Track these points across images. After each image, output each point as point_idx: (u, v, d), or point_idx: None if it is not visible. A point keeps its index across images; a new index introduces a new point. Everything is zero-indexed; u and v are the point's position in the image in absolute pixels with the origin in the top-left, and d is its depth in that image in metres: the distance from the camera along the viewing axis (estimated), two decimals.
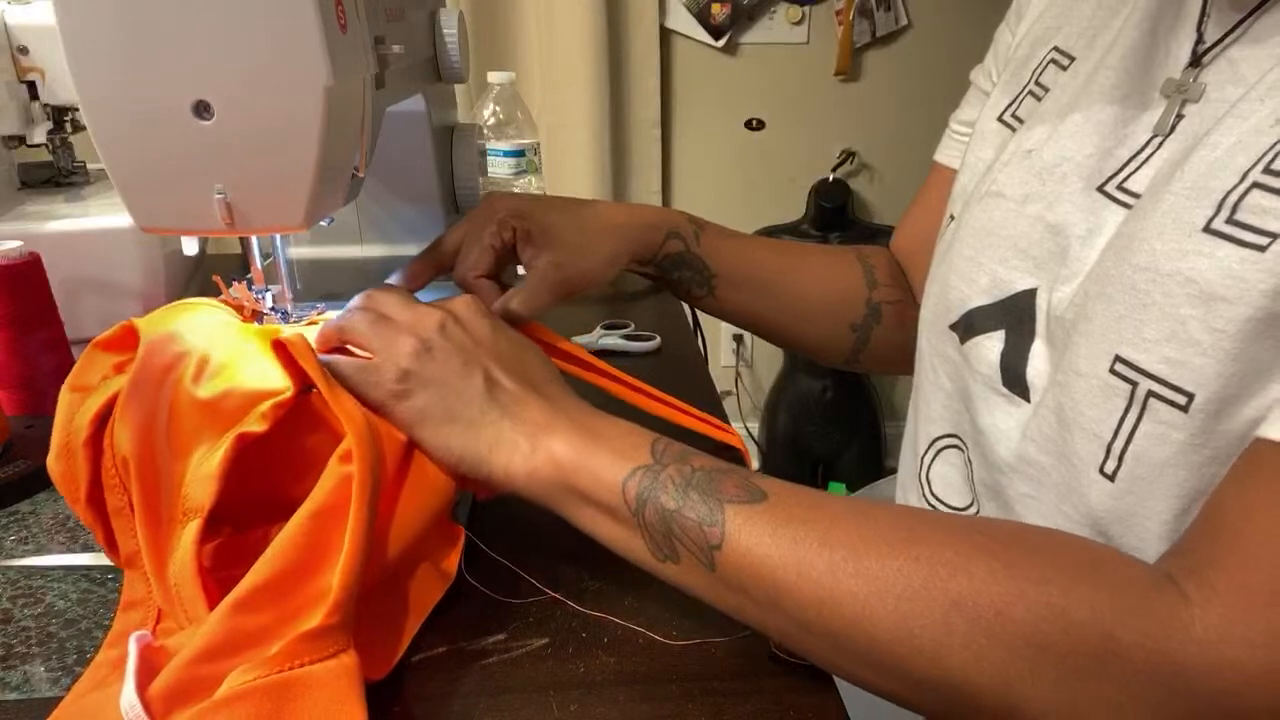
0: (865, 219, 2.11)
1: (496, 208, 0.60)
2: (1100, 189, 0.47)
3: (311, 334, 0.49)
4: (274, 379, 0.44)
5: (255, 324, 0.51)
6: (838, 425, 2.09)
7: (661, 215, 0.67)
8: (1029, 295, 0.49)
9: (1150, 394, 0.40)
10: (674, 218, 0.67)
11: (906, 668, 0.37)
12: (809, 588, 0.38)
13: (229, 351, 0.46)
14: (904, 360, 0.73)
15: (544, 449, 0.44)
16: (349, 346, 0.48)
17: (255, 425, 0.42)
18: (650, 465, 0.42)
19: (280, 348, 0.44)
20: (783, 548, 0.39)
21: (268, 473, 0.44)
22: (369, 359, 0.46)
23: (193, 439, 0.43)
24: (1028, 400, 0.48)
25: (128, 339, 0.46)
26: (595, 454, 0.43)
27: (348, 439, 0.42)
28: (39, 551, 0.51)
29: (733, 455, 0.60)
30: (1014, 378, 0.49)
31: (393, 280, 0.58)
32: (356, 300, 0.50)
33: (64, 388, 0.46)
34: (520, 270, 0.61)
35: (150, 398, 0.43)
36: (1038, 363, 0.48)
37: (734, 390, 2.23)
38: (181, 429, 0.43)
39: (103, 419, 0.44)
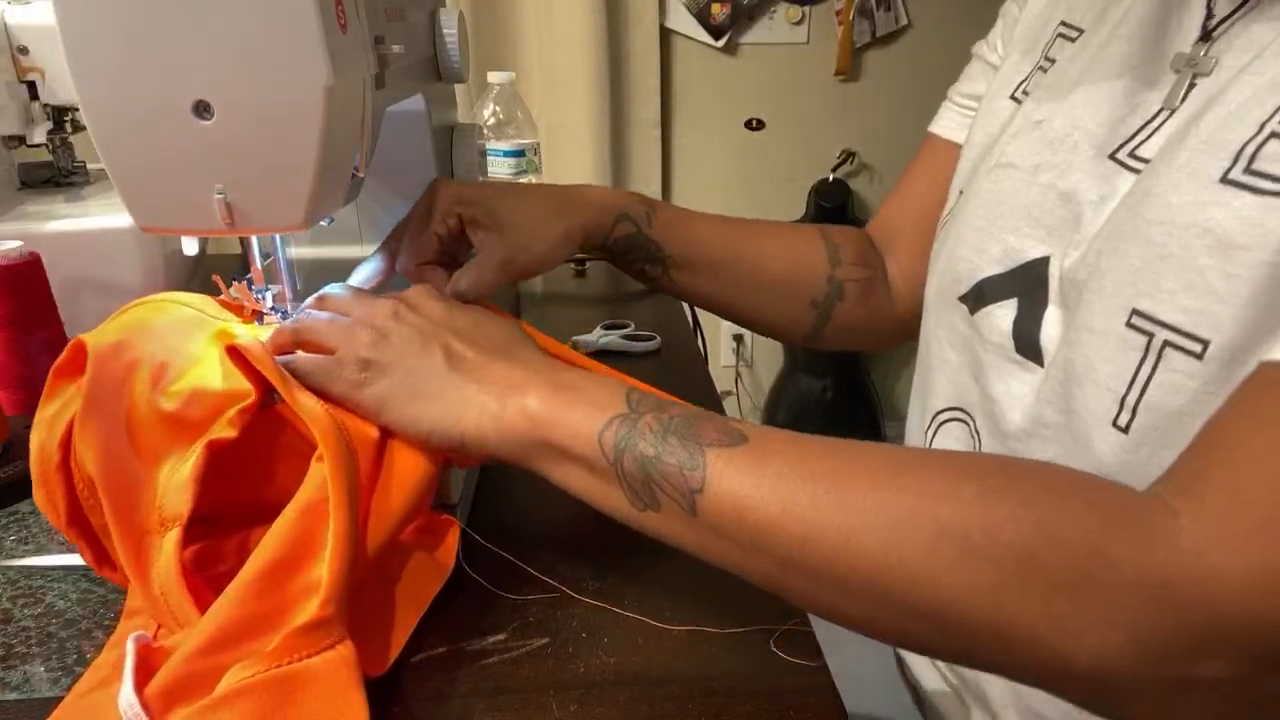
0: (865, 219, 2.11)
1: (439, 196, 0.59)
2: (1112, 156, 0.47)
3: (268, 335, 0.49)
4: (238, 383, 0.44)
5: (221, 319, 0.51)
6: (838, 425, 2.09)
7: (611, 197, 0.65)
8: (1042, 263, 0.49)
9: (1166, 343, 0.40)
10: (624, 199, 0.66)
11: (895, 597, 0.36)
12: (793, 524, 0.37)
13: (187, 357, 0.46)
14: (869, 338, 0.73)
15: (515, 405, 0.43)
16: (303, 349, 0.48)
17: (224, 431, 0.42)
18: (626, 414, 0.41)
19: (235, 354, 0.44)
20: (765, 486, 0.38)
21: (240, 475, 0.44)
22: (328, 356, 0.46)
23: (161, 449, 0.43)
24: (1041, 365, 0.48)
25: (79, 358, 0.45)
26: (570, 407, 0.42)
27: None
28: (39, 551, 0.51)
29: None
30: (1027, 344, 0.49)
31: (351, 280, 0.58)
32: (309, 302, 0.50)
33: (35, 420, 0.45)
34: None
35: (107, 413, 0.43)
36: (1050, 328, 0.48)
37: (734, 390, 2.23)
38: (147, 440, 0.43)
39: (69, 441, 0.44)
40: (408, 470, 0.45)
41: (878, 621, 0.38)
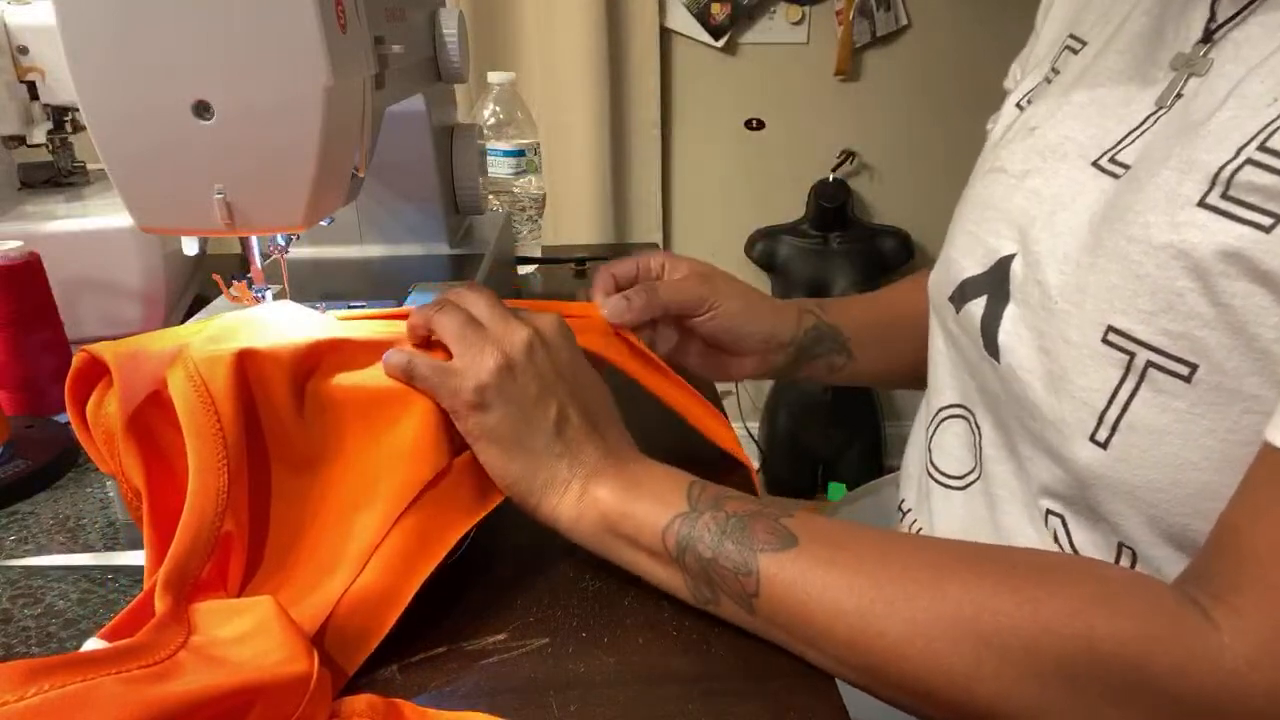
0: (865, 219, 2.11)
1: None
2: (1094, 163, 0.48)
3: (340, 325, 0.48)
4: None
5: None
6: (838, 425, 2.09)
7: (789, 301, 0.68)
8: (1008, 260, 0.50)
9: (1150, 364, 0.40)
10: (799, 301, 0.68)
11: (940, 698, 0.38)
12: (842, 630, 0.40)
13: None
14: None
15: (590, 496, 0.46)
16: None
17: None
18: (687, 513, 0.44)
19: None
20: (814, 594, 0.40)
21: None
22: (448, 362, 0.45)
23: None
24: (999, 361, 0.49)
25: (98, 368, 0.43)
26: (637, 501, 0.45)
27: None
28: (39, 551, 0.51)
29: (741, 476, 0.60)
30: (989, 340, 0.50)
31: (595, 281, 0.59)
32: (450, 294, 0.49)
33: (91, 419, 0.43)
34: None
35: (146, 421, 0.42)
36: (1008, 324, 0.49)
37: (734, 390, 2.23)
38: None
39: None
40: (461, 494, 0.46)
41: (929, 716, 0.40)
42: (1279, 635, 0.33)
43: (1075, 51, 0.55)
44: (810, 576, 0.41)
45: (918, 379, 0.70)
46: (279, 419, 0.43)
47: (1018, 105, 0.59)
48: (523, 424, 0.45)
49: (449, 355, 0.46)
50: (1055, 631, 0.36)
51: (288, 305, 0.50)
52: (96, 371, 0.43)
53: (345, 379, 0.45)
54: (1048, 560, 0.42)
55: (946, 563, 0.40)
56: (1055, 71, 0.57)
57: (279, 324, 0.47)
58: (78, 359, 0.43)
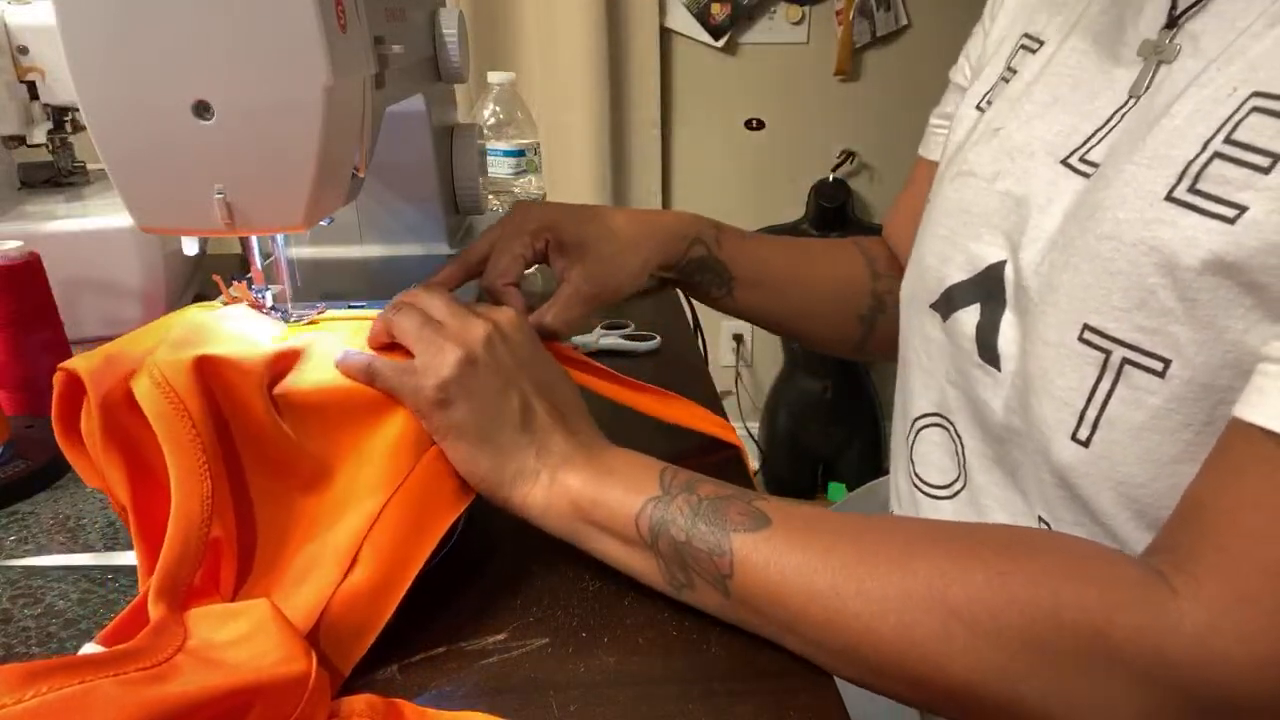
0: (865, 219, 2.11)
1: (529, 218, 0.61)
2: (1064, 162, 0.48)
3: (307, 331, 0.48)
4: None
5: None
6: (838, 425, 2.09)
7: (686, 223, 0.67)
8: (999, 267, 0.50)
9: (1125, 361, 0.41)
10: (697, 225, 0.68)
11: (913, 675, 0.38)
12: (816, 610, 0.40)
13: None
14: None
15: (560, 484, 0.45)
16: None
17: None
18: (660, 497, 0.44)
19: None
20: (788, 574, 0.40)
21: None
22: (409, 362, 0.45)
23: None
24: (999, 370, 0.49)
25: (77, 388, 0.43)
26: (609, 488, 0.45)
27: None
28: (39, 551, 0.51)
29: (732, 456, 0.60)
30: (986, 348, 0.50)
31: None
32: (402, 297, 0.49)
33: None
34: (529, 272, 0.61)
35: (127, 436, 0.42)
36: (1008, 331, 0.49)
37: (734, 390, 2.23)
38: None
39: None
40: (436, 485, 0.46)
41: (902, 696, 0.40)
42: (1236, 602, 0.34)
43: (1032, 51, 0.55)
44: (784, 557, 0.41)
45: (784, 329, 0.73)
46: (252, 423, 0.43)
47: (978, 107, 0.58)
48: (487, 417, 0.45)
49: (410, 357, 0.46)
50: (1021, 601, 0.37)
51: (249, 312, 0.50)
52: (78, 386, 0.43)
53: (317, 377, 0.45)
54: (1015, 535, 0.42)
55: (917, 541, 0.40)
56: (1012, 71, 0.56)
57: (243, 326, 0.47)
58: (58, 378, 0.42)
